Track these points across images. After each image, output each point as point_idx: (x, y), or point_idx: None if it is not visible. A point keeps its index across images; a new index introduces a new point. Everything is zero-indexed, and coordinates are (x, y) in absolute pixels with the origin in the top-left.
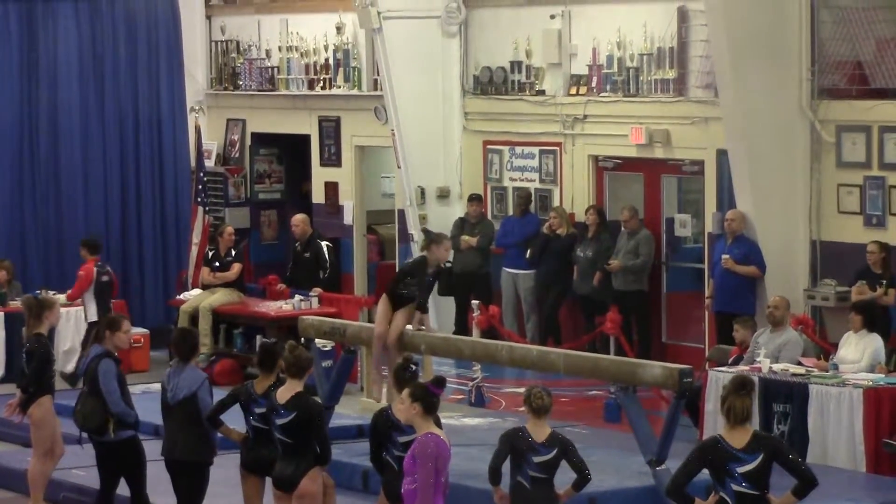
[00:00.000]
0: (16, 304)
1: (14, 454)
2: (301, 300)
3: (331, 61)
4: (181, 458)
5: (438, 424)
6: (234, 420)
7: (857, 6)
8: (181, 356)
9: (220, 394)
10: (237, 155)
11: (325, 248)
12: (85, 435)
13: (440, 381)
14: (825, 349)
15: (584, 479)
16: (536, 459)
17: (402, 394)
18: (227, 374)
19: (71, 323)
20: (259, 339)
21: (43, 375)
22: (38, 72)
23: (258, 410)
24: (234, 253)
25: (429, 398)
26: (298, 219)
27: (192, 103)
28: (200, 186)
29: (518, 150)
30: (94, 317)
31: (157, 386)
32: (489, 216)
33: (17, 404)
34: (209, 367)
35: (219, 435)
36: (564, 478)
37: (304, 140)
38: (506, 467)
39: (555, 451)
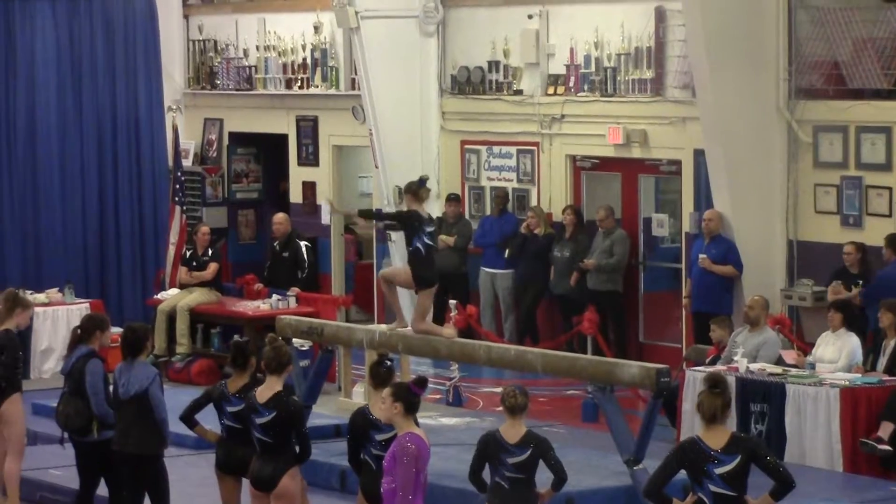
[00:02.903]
0: None
1: None
2: (279, 300)
3: (308, 61)
4: (134, 452)
5: (417, 424)
6: (207, 419)
7: (834, 6)
8: (131, 352)
9: (196, 394)
10: (215, 154)
11: (303, 248)
12: (66, 435)
13: (422, 382)
14: (802, 349)
15: (561, 480)
16: (510, 460)
17: (383, 393)
18: (204, 373)
19: (48, 323)
20: (235, 338)
21: (15, 371)
22: (15, 71)
23: (231, 409)
24: (210, 252)
25: (410, 398)
26: (281, 217)
27: (170, 102)
28: (178, 186)
29: (496, 149)
30: None
31: None
32: (467, 216)
33: None
34: (186, 366)
35: (194, 435)
36: (546, 476)
37: (282, 139)
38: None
39: (529, 452)
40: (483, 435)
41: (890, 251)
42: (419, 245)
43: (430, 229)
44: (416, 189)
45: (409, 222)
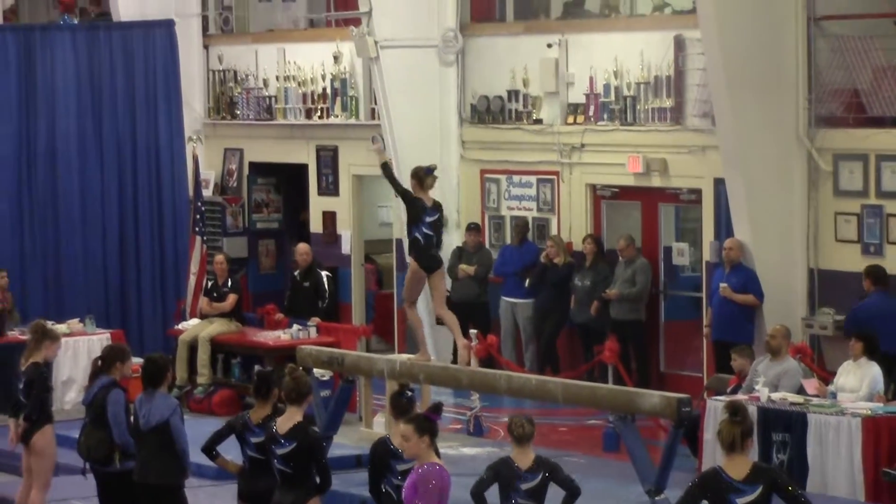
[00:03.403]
0: (14, 334)
1: (13, 484)
2: (299, 330)
3: (328, 90)
4: (155, 483)
5: (437, 453)
6: (230, 450)
7: (853, 34)
8: (151, 383)
9: (217, 424)
10: (235, 184)
11: (324, 278)
12: (88, 465)
13: (437, 408)
14: (823, 378)
15: (574, 494)
16: (524, 486)
17: (403, 429)
18: (225, 404)
19: (69, 353)
20: (257, 369)
21: (45, 403)
22: (36, 101)
23: (254, 440)
24: (230, 283)
25: (434, 428)
26: (303, 248)
27: (190, 133)
28: (198, 216)
29: (516, 178)
30: None
31: None
32: (487, 245)
33: (20, 433)
34: (207, 397)
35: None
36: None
37: (302, 169)
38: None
39: (540, 476)
40: (495, 461)
41: (869, 282)
42: (418, 235)
43: (430, 219)
44: (423, 176)
45: (412, 206)
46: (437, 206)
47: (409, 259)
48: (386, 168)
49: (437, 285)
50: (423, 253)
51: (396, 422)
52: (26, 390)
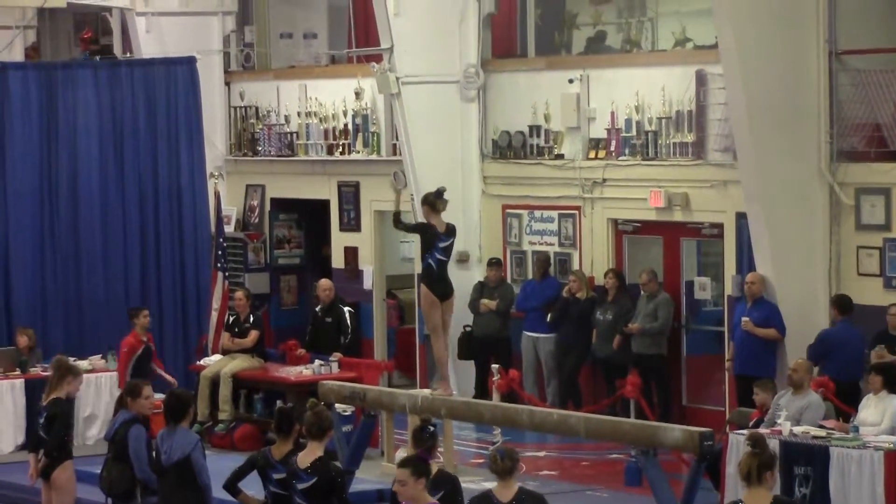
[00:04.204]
0: (36, 371)
1: None
2: (321, 365)
3: (349, 126)
4: None
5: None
6: (252, 486)
7: (875, 68)
8: (173, 418)
9: (238, 460)
10: (257, 220)
11: (346, 313)
12: (110, 500)
13: (430, 449)
14: (846, 412)
15: None
16: None
17: (401, 474)
18: (247, 439)
19: (91, 389)
20: (278, 404)
21: (65, 439)
22: (58, 138)
23: (276, 476)
24: (252, 319)
25: (429, 469)
26: (325, 284)
27: (212, 169)
28: (220, 252)
29: (537, 213)
30: None
31: None
32: (508, 280)
33: (40, 468)
34: (229, 432)
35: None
36: None
37: (324, 205)
38: None
39: None
40: (477, 495)
41: (836, 311)
42: (431, 262)
43: (443, 244)
44: (433, 200)
45: (425, 234)
46: (451, 231)
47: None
48: (396, 219)
49: (444, 314)
50: (435, 280)
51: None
52: (47, 426)
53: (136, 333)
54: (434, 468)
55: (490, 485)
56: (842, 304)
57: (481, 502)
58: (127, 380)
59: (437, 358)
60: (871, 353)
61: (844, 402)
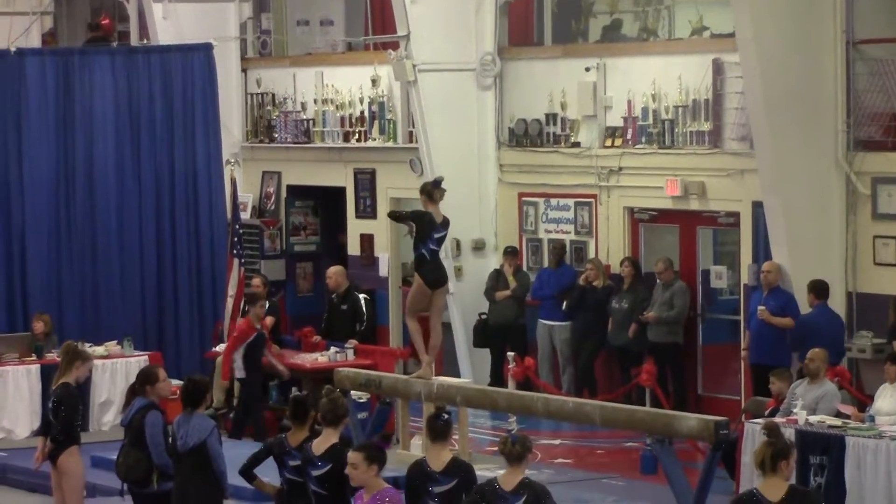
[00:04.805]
0: (52, 356)
1: None
2: (337, 352)
3: (366, 114)
4: None
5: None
6: (268, 472)
7: (892, 58)
8: (191, 403)
9: (254, 446)
10: (273, 207)
11: (362, 301)
12: (126, 486)
13: (388, 437)
14: (862, 401)
15: None
16: None
17: (354, 457)
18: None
19: (107, 375)
20: (294, 391)
21: (72, 425)
22: (74, 124)
23: (292, 463)
24: (268, 305)
25: (384, 456)
26: (332, 271)
27: (228, 156)
28: (236, 238)
29: (553, 202)
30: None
31: None
32: (524, 268)
33: (47, 453)
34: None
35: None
36: None
37: (340, 192)
38: None
39: (523, 499)
40: (482, 482)
41: (812, 296)
42: (424, 251)
43: (438, 235)
44: (431, 190)
45: (421, 222)
46: (446, 223)
47: (414, 274)
48: (392, 214)
49: (436, 302)
50: (428, 269)
51: (434, 445)
52: (55, 410)
53: (249, 320)
54: (449, 455)
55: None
56: (818, 288)
57: (486, 488)
58: (237, 365)
59: (413, 338)
60: (893, 345)
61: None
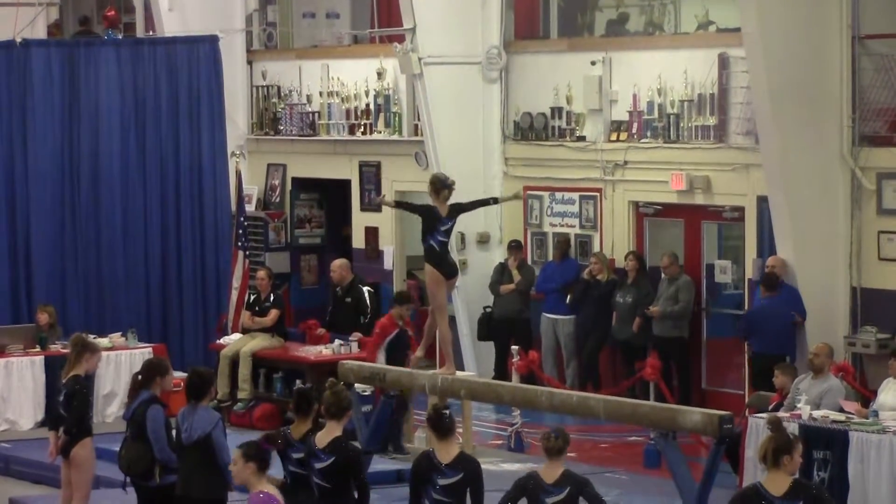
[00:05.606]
0: (56, 348)
1: (53, 497)
2: (341, 345)
3: (371, 106)
4: (197, 497)
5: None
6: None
7: None
8: (195, 395)
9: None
10: (278, 199)
11: (366, 294)
12: (129, 479)
13: (272, 438)
14: (865, 396)
15: None
16: (549, 501)
17: (235, 454)
18: (266, 418)
19: (111, 367)
20: (297, 384)
21: (84, 417)
22: (79, 116)
23: (296, 456)
24: (272, 298)
25: (262, 456)
26: (336, 264)
27: (233, 148)
28: (241, 231)
29: (558, 195)
30: None
31: None
32: (529, 262)
33: (60, 446)
34: (248, 411)
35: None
36: None
37: (345, 185)
38: None
39: (566, 491)
40: (523, 476)
41: (763, 288)
42: (433, 243)
43: (444, 227)
44: (440, 189)
45: (427, 215)
46: (452, 214)
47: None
48: (398, 205)
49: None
50: (440, 260)
51: (440, 441)
52: (66, 403)
53: (391, 316)
54: (457, 450)
55: (509, 466)
56: (768, 281)
57: (528, 482)
58: (380, 361)
59: (442, 338)
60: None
61: (771, 375)
